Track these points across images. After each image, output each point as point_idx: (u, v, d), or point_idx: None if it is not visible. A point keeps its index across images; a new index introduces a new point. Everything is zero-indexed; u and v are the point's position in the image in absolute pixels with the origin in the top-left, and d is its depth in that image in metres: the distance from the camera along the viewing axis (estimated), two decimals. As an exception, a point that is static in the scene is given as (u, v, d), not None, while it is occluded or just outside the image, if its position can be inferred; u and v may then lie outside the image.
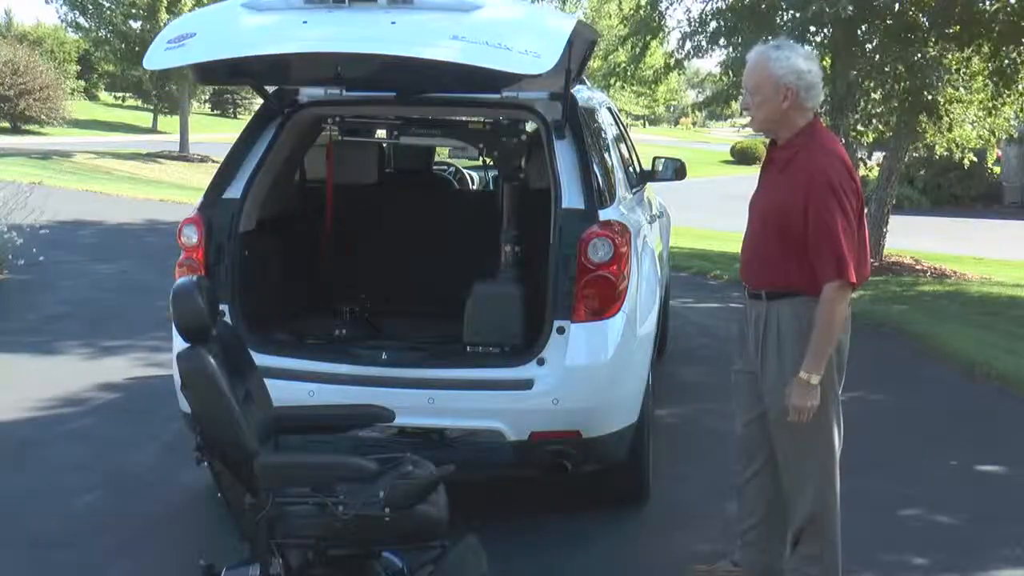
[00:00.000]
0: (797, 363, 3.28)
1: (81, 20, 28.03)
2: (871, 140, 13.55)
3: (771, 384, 3.40)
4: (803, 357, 3.26)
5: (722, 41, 12.50)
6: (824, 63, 12.78)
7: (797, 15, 11.19)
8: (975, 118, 13.50)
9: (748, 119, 3.53)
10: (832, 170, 3.24)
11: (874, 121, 13.29)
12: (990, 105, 12.89)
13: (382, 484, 2.96)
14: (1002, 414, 6.40)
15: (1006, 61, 11.86)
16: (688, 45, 13.16)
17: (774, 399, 3.38)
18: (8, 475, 4.77)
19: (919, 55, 11.19)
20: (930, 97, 11.69)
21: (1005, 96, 12.33)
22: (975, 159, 14.95)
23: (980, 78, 12.39)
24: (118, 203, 15.90)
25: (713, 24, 12.49)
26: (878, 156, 14.37)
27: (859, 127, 12.96)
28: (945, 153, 14.45)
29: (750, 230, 3.52)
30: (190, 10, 24.86)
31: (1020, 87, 12.11)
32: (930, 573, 4.05)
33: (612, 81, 18.00)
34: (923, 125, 12.87)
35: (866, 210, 3.84)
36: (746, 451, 3.65)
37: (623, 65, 15.70)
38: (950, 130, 13.29)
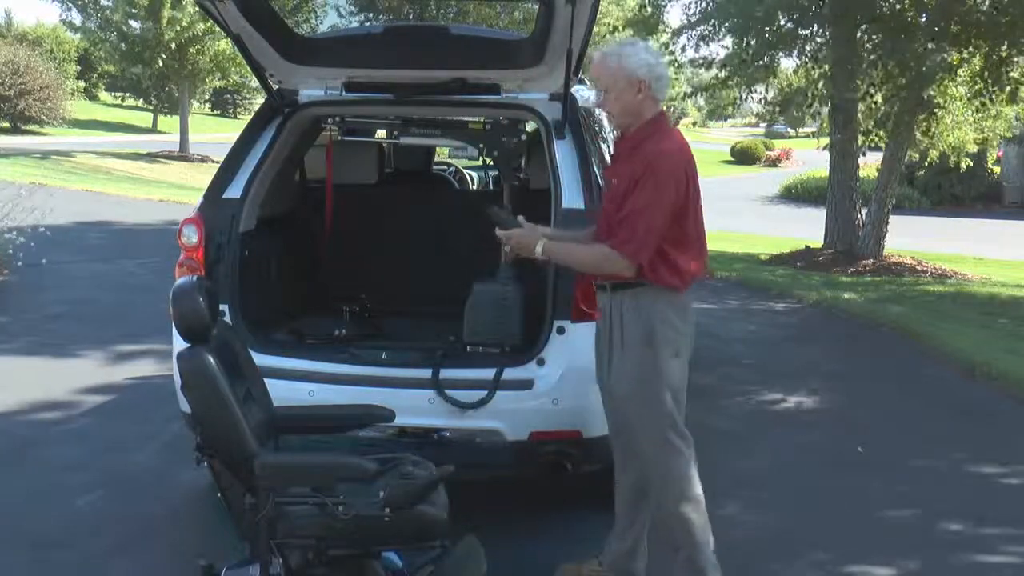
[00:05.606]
0: (635, 350, 3.35)
1: (78, 18, 28.05)
2: (880, 142, 13.53)
3: (616, 368, 3.46)
4: (642, 346, 3.34)
5: (721, 36, 12.58)
6: (824, 67, 12.81)
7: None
8: (973, 119, 13.50)
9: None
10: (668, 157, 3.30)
11: (876, 117, 13.29)
12: (991, 109, 12.87)
13: (382, 484, 2.96)
14: (1002, 414, 6.40)
15: (995, 59, 11.85)
16: (683, 39, 13.28)
17: (618, 382, 3.45)
18: (8, 475, 4.77)
19: (917, 48, 11.18)
20: (926, 97, 11.68)
21: (995, 96, 12.29)
22: (970, 162, 14.93)
23: (979, 80, 12.39)
24: (118, 203, 15.89)
25: (706, 27, 12.60)
26: (872, 155, 14.36)
27: (870, 134, 12.98)
28: (937, 160, 14.45)
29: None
30: (192, 10, 24.89)
31: (1007, 90, 12.07)
32: (929, 572, 4.04)
33: None
34: (921, 124, 12.86)
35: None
36: (616, 450, 3.69)
37: None
38: (938, 125, 13.27)
